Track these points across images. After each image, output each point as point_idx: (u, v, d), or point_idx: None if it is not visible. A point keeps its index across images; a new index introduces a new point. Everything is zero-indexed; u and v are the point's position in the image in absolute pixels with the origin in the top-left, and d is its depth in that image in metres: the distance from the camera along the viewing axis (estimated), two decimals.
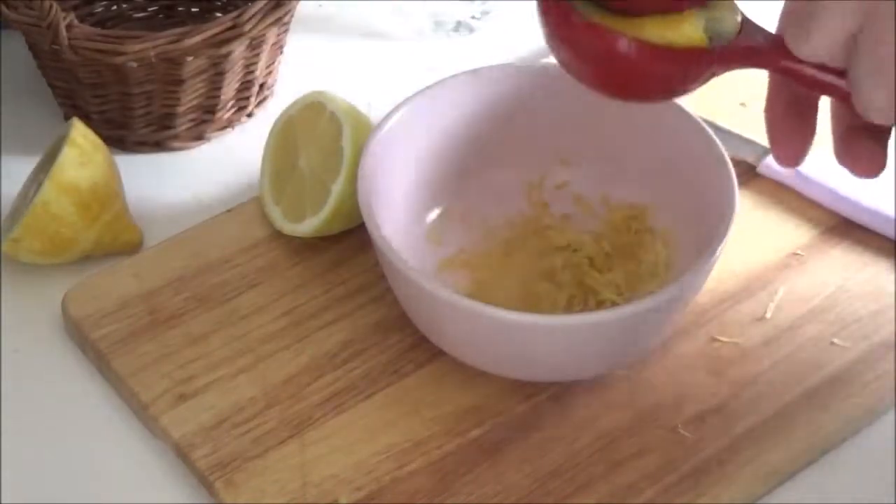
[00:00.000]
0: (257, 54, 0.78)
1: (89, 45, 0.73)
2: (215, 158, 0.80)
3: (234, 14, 0.75)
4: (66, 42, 0.73)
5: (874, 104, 0.50)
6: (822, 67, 0.51)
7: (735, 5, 0.53)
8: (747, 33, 0.53)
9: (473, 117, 0.71)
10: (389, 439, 0.63)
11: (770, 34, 0.52)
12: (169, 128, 0.79)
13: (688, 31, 0.52)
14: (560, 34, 0.53)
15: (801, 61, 0.51)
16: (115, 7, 0.87)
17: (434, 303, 0.61)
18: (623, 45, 0.51)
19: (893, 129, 0.53)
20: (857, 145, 0.53)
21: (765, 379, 0.66)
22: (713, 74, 0.53)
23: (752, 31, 0.53)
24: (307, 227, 0.70)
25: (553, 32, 0.53)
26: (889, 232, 0.72)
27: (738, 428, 0.64)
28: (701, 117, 0.68)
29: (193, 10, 0.87)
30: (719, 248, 0.61)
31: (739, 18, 0.53)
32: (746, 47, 0.52)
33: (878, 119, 0.50)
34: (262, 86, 0.81)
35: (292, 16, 0.78)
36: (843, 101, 0.51)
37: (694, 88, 0.54)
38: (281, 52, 0.82)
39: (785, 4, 0.52)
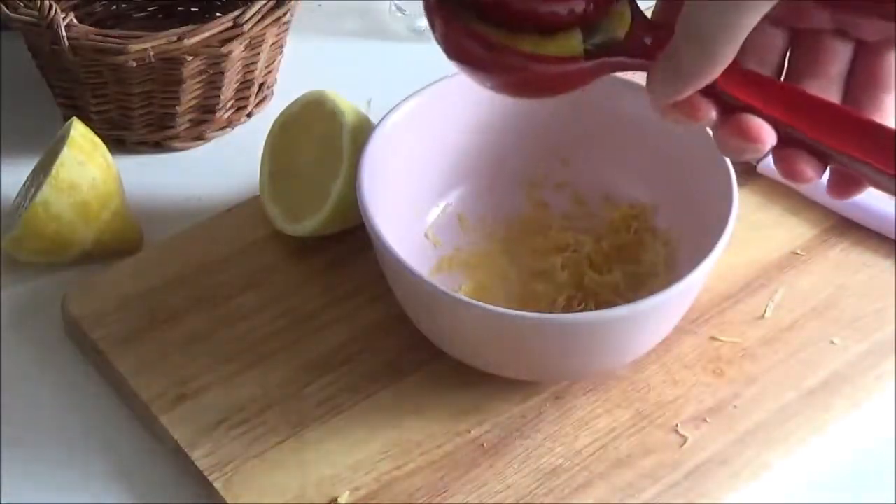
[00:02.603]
0: (257, 54, 0.78)
1: (89, 45, 0.73)
2: (215, 158, 0.80)
3: (234, 14, 0.75)
4: (66, 42, 0.73)
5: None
6: None
7: (626, 14, 0.52)
8: (636, 35, 0.52)
9: (473, 117, 0.71)
10: (389, 439, 0.63)
11: (660, 32, 0.50)
12: (169, 128, 0.79)
13: (564, 45, 0.52)
14: (442, 32, 0.54)
15: None
16: (115, 7, 0.87)
17: (434, 303, 0.61)
18: (497, 50, 0.52)
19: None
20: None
21: (765, 379, 0.66)
22: (598, 75, 0.53)
23: (642, 31, 0.52)
24: (307, 227, 0.70)
25: (438, 31, 0.54)
26: (889, 232, 0.72)
27: (738, 428, 0.64)
28: None
29: (193, 10, 0.87)
30: (719, 248, 0.61)
31: (628, 23, 0.52)
32: (633, 52, 0.51)
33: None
34: (261, 86, 0.82)
35: (292, 16, 0.78)
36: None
37: (581, 86, 0.53)
38: (281, 52, 0.82)
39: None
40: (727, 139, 0.50)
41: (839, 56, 0.51)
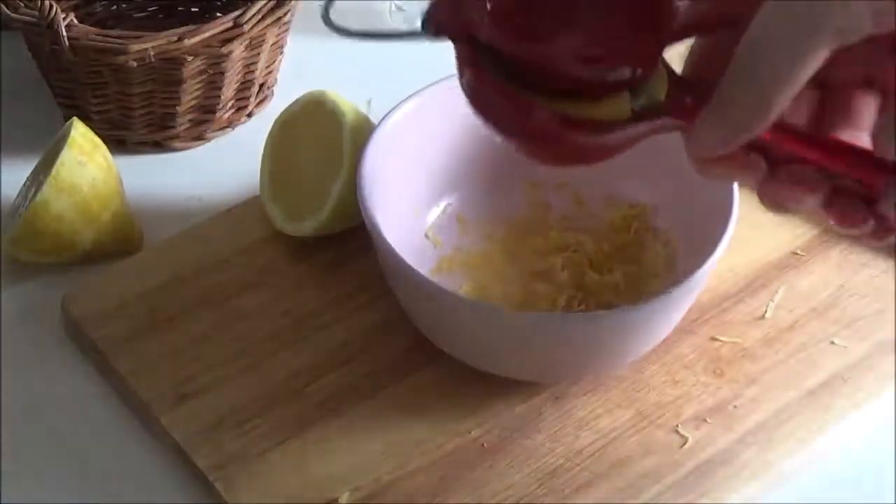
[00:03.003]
0: (257, 54, 0.78)
1: (89, 45, 0.73)
2: (215, 158, 0.80)
3: (234, 14, 0.75)
4: (66, 42, 0.73)
5: None
6: None
7: (664, 73, 0.50)
8: (676, 95, 0.50)
9: (473, 117, 0.71)
10: (389, 439, 0.63)
11: (699, 92, 0.49)
12: (169, 128, 0.79)
13: (614, 109, 0.50)
14: (472, 90, 0.50)
15: None
16: (115, 7, 0.87)
17: (434, 302, 0.61)
18: (539, 115, 0.49)
19: None
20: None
21: (765, 379, 0.66)
22: (639, 139, 0.51)
23: (681, 90, 0.50)
24: (307, 227, 0.70)
25: (466, 86, 0.50)
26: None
27: (738, 428, 0.64)
28: None
29: (193, 9, 0.87)
30: (719, 249, 0.61)
31: (666, 83, 0.50)
32: (672, 112, 0.50)
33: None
34: (261, 86, 0.82)
35: (292, 16, 0.78)
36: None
37: (619, 153, 0.51)
38: (281, 52, 0.82)
39: None
40: (779, 191, 0.49)
41: (868, 107, 0.51)
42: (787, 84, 0.46)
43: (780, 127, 0.48)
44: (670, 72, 0.50)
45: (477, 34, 0.48)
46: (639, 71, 0.49)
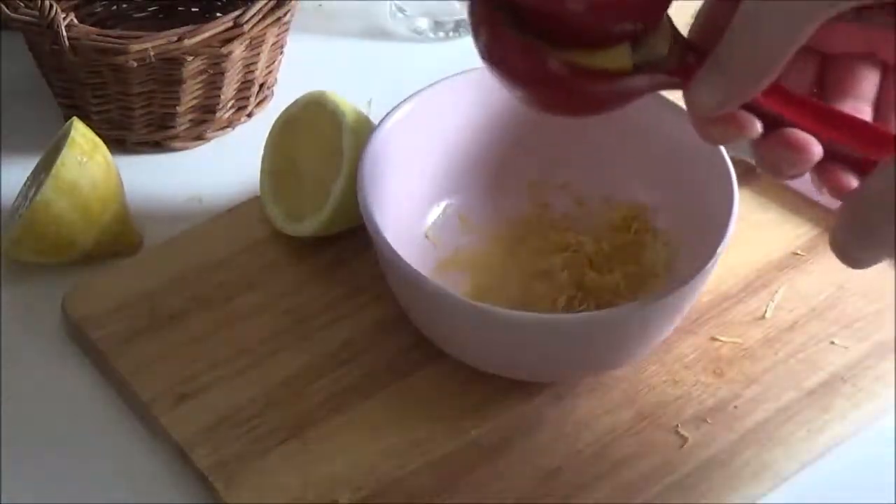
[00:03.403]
0: (257, 54, 0.78)
1: (89, 45, 0.73)
2: (215, 158, 0.80)
3: (234, 14, 0.75)
4: (66, 42, 0.73)
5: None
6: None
7: (668, 30, 0.53)
8: (678, 52, 0.52)
9: (473, 117, 0.71)
10: (389, 439, 0.63)
11: (700, 52, 0.51)
12: (169, 128, 0.79)
13: (615, 59, 0.52)
14: (489, 45, 0.53)
15: None
16: (115, 7, 0.87)
17: (434, 303, 0.61)
18: (550, 62, 0.51)
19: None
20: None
21: (765, 379, 0.66)
22: (640, 93, 0.53)
23: (684, 49, 0.52)
24: (307, 227, 0.70)
25: (485, 47, 0.53)
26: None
27: (738, 428, 0.64)
28: None
29: (193, 9, 0.87)
30: (720, 249, 0.61)
31: (669, 40, 0.53)
32: (671, 70, 0.52)
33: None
34: (262, 86, 0.82)
35: (292, 16, 0.78)
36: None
37: (619, 106, 0.54)
38: (281, 52, 0.82)
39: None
40: (772, 152, 0.50)
41: (869, 78, 0.52)
42: (785, 45, 0.47)
43: (779, 92, 0.50)
44: (674, 31, 0.53)
45: None
46: (640, 24, 0.52)
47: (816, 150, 0.49)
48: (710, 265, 0.61)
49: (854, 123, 0.51)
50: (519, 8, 0.52)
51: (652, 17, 0.52)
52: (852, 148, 0.50)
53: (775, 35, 0.47)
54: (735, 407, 0.65)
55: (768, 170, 0.51)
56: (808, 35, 0.47)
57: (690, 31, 0.54)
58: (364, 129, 0.69)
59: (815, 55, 0.53)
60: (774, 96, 0.50)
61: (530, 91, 0.54)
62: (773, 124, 0.50)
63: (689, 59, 0.52)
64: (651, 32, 0.52)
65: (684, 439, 0.63)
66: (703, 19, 0.54)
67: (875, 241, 0.48)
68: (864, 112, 0.53)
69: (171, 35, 0.74)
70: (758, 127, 0.50)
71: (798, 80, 0.53)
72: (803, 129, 0.50)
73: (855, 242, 0.49)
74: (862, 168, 0.50)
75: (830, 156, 0.50)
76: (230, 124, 0.81)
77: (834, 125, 0.50)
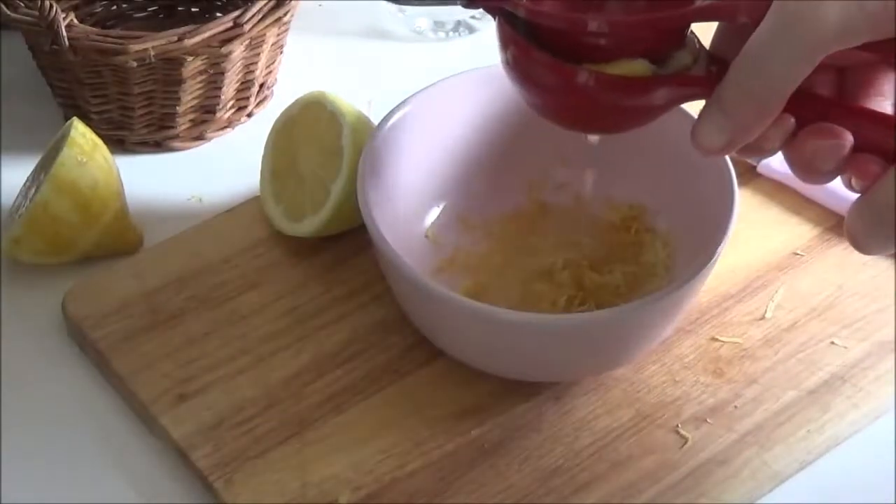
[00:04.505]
0: (257, 54, 0.78)
1: (89, 45, 0.73)
2: (215, 158, 0.80)
3: (234, 14, 0.75)
4: (66, 42, 0.73)
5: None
6: None
7: (693, 45, 0.54)
8: (700, 66, 0.54)
9: (473, 117, 0.71)
10: (389, 439, 0.63)
11: (722, 64, 0.52)
12: (169, 128, 0.79)
13: (634, 68, 0.53)
14: (519, 62, 0.55)
15: None
16: (115, 7, 0.87)
17: (434, 303, 0.61)
18: (579, 74, 0.53)
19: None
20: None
21: (765, 379, 0.66)
22: (663, 107, 0.54)
23: (707, 62, 0.54)
24: (307, 227, 0.70)
25: (514, 66, 0.55)
26: None
27: (738, 428, 0.64)
28: None
29: (193, 10, 0.87)
30: (719, 249, 0.61)
31: (694, 56, 0.54)
32: (694, 77, 0.53)
33: None
34: (262, 86, 0.82)
35: (292, 16, 0.78)
36: None
37: (647, 120, 0.55)
38: (281, 52, 0.82)
39: None
40: (804, 146, 0.51)
41: (888, 80, 0.52)
42: (786, 85, 0.49)
43: (799, 94, 0.50)
44: (699, 43, 0.54)
45: (508, 5, 0.54)
46: (663, 41, 0.53)
47: (848, 137, 0.50)
48: (709, 265, 0.61)
49: (878, 114, 0.52)
50: (539, 28, 0.53)
51: (669, 39, 0.54)
52: (879, 136, 0.51)
53: (776, 77, 0.49)
54: (735, 407, 0.65)
55: (802, 170, 0.52)
56: (807, 74, 0.48)
57: (713, 38, 0.55)
58: (364, 129, 0.69)
59: (831, 68, 0.54)
60: (798, 100, 0.51)
61: (560, 106, 0.55)
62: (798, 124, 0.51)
63: (711, 69, 0.53)
64: (674, 48, 0.54)
65: (684, 439, 0.63)
66: (720, 34, 0.55)
67: (887, 230, 0.49)
68: (886, 109, 0.53)
69: (171, 35, 0.74)
70: (791, 124, 0.51)
71: (819, 88, 0.54)
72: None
73: (871, 231, 0.50)
74: (888, 158, 0.50)
75: (857, 147, 0.51)
76: (230, 124, 0.81)
77: (859, 116, 0.51)
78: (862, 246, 0.51)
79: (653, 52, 0.53)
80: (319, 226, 0.70)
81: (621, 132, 0.57)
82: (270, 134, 0.73)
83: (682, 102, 0.54)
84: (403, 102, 0.69)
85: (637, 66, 0.53)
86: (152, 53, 0.73)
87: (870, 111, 0.53)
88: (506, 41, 0.55)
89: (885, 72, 0.53)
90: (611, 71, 0.53)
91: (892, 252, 0.52)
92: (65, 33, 0.73)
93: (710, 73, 0.53)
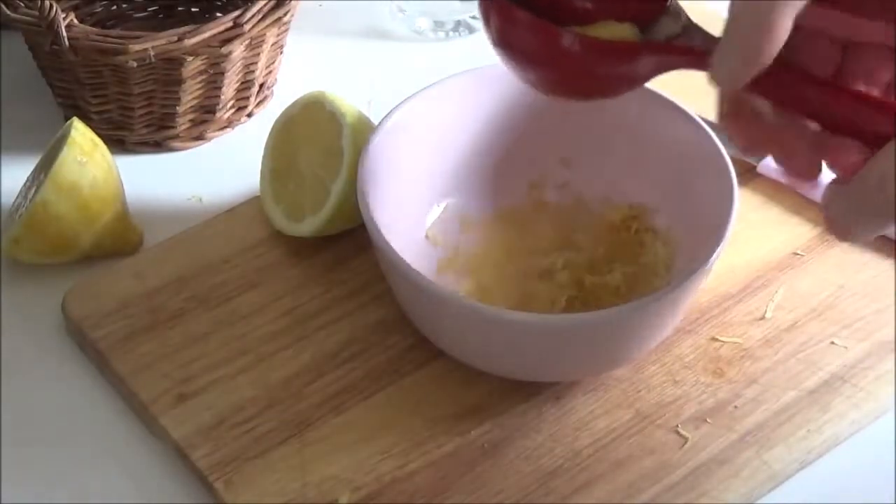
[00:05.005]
0: (257, 54, 0.78)
1: (89, 45, 0.73)
2: (215, 158, 0.80)
3: (234, 14, 0.75)
4: (66, 42, 0.73)
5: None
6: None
7: (679, 14, 0.54)
8: (687, 36, 0.54)
9: (473, 117, 0.71)
10: (389, 439, 0.63)
11: (711, 38, 0.52)
12: (169, 128, 0.79)
13: (617, 32, 0.53)
14: (500, 27, 0.54)
15: None
16: (115, 7, 0.87)
17: (434, 303, 0.61)
18: (564, 37, 0.52)
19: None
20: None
21: (765, 379, 0.66)
22: (649, 73, 0.54)
23: (693, 34, 0.54)
24: (307, 227, 0.70)
25: (496, 31, 0.54)
26: (889, 232, 0.71)
27: (738, 428, 0.64)
28: (701, 117, 0.68)
29: (193, 10, 0.87)
30: (719, 249, 0.61)
31: (681, 24, 0.54)
32: (680, 47, 0.53)
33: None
34: (262, 86, 0.82)
35: (292, 16, 0.78)
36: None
37: (632, 86, 0.55)
38: (281, 52, 0.82)
39: None
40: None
41: (887, 66, 0.53)
42: (765, 37, 0.49)
43: (788, 72, 0.50)
44: (683, 13, 0.54)
45: None
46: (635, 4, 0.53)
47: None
48: (709, 265, 0.61)
49: (863, 96, 0.51)
50: None
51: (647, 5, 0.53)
52: (861, 119, 0.50)
53: (754, 30, 0.49)
54: (735, 407, 0.65)
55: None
56: (786, 27, 0.49)
57: None
58: (364, 129, 0.69)
59: (839, 44, 0.54)
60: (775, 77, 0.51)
61: (544, 70, 0.55)
62: (789, 102, 0.51)
63: (696, 39, 0.53)
64: (660, 13, 0.53)
65: (684, 439, 0.63)
66: None
67: (873, 214, 0.49)
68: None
69: (171, 35, 0.74)
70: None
71: (822, 67, 0.54)
72: (813, 104, 0.51)
73: (853, 216, 0.50)
74: (871, 146, 0.50)
75: (841, 132, 0.50)
76: (230, 124, 0.81)
77: (845, 99, 0.51)
78: (849, 231, 0.51)
79: (638, 15, 0.53)
80: (319, 226, 0.70)
81: (605, 98, 0.56)
82: (270, 134, 0.73)
83: (668, 70, 0.54)
84: (403, 102, 0.69)
85: (624, 30, 0.53)
86: (152, 53, 0.73)
87: (856, 91, 0.52)
88: (488, 6, 0.54)
89: (886, 56, 0.53)
90: (596, 34, 0.53)
91: (878, 234, 0.51)
92: (65, 33, 0.73)
93: (696, 44, 0.53)
